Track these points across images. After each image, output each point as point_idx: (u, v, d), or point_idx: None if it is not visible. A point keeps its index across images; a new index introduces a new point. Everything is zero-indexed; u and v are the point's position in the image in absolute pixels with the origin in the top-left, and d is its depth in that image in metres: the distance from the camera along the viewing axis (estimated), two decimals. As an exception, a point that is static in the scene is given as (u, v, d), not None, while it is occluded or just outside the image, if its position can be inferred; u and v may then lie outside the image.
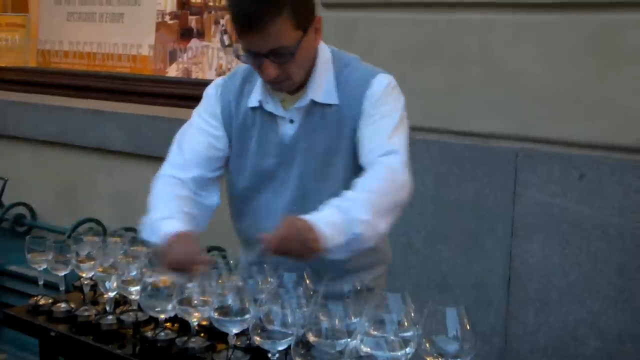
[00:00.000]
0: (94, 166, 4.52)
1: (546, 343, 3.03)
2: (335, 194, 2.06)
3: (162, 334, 2.03)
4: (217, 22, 4.60)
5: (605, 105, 2.87)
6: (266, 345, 1.76)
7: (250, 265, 2.12)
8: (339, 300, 1.78)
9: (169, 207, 2.11)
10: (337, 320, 1.73)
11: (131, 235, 2.51)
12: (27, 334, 2.33)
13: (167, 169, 2.24)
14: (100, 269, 2.18)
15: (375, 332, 1.67)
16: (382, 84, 2.11)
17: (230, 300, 1.86)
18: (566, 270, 2.97)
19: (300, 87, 2.12)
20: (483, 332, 3.09)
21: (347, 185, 2.07)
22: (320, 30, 2.10)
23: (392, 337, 1.65)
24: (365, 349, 1.64)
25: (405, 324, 1.72)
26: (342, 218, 1.91)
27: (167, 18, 4.85)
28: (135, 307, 2.15)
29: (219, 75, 4.53)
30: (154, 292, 1.96)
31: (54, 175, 4.73)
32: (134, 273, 2.14)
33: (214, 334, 1.99)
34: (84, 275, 2.28)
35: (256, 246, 1.96)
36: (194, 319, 1.95)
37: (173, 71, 4.81)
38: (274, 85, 2.09)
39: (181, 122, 4.00)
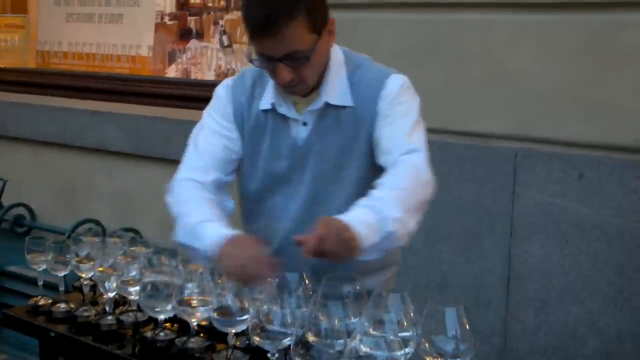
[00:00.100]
0: (93, 167, 4.52)
1: (546, 343, 3.03)
2: (348, 197, 2.07)
3: (162, 334, 2.03)
4: (216, 23, 4.60)
5: (605, 106, 2.88)
6: (266, 345, 1.76)
7: None
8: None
9: (204, 210, 2.08)
10: (336, 321, 1.73)
11: (130, 236, 2.51)
12: (26, 335, 2.33)
13: (186, 172, 2.20)
14: (100, 270, 2.18)
15: (375, 332, 1.67)
16: (397, 84, 2.10)
17: (230, 301, 1.86)
18: (566, 270, 2.97)
19: (313, 89, 2.10)
20: (482, 332, 3.09)
21: (359, 188, 2.07)
22: (334, 33, 2.08)
23: (391, 337, 1.65)
24: (365, 349, 1.64)
25: (405, 324, 1.72)
26: (375, 217, 1.89)
27: (166, 19, 4.85)
28: (134, 308, 2.14)
29: (218, 76, 4.54)
30: (154, 292, 1.96)
31: (54, 175, 4.73)
32: (133, 273, 2.14)
33: (213, 334, 1.99)
34: (83, 275, 2.28)
35: (288, 249, 1.94)
36: (194, 319, 1.95)
37: (172, 72, 4.81)
38: (288, 89, 2.07)
39: (180, 122, 4.05)
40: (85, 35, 5.21)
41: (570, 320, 2.97)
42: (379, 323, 1.68)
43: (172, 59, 4.81)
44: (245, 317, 1.84)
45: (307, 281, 2.01)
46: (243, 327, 1.85)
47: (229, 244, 1.92)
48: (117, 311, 2.19)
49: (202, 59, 4.66)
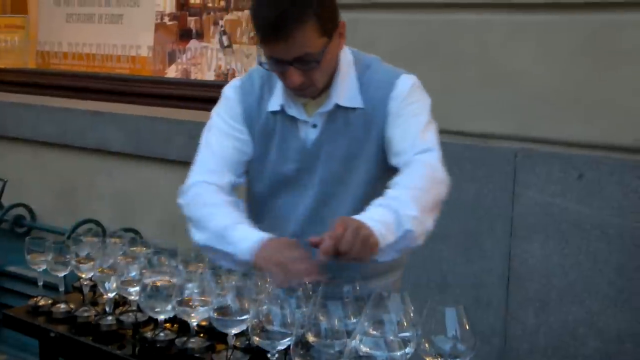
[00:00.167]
0: (93, 167, 4.52)
1: (546, 343, 3.03)
2: (357, 198, 2.07)
3: (162, 334, 2.03)
4: (216, 23, 4.60)
5: (604, 106, 2.88)
6: (265, 345, 1.76)
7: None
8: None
9: (229, 214, 2.07)
10: (336, 321, 1.73)
11: (130, 236, 2.51)
12: (26, 335, 2.32)
13: (200, 175, 2.18)
14: (100, 270, 2.18)
15: (375, 332, 1.67)
16: (407, 84, 2.10)
17: (230, 301, 1.86)
18: (566, 270, 2.97)
19: (322, 90, 2.09)
20: (482, 332, 3.09)
21: (368, 190, 2.07)
22: (344, 35, 2.07)
23: (391, 337, 1.65)
24: (365, 349, 1.63)
25: (405, 324, 1.72)
26: (392, 216, 1.89)
27: (166, 19, 4.85)
28: (134, 308, 2.14)
29: (218, 76, 4.54)
30: (154, 292, 1.96)
31: (54, 176, 4.73)
32: (133, 274, 2.13)
33: (213, 334, 1.99)
34: (83, 276, 2.28)
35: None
36: (194, 319, 1.95)
37: (172, 72, 4.81)
38: (297, 92, 2.06)
39: (181, 123, 4.05)
40: (85, 35, 5.21)
41: (570, 321, 2.97)
42: (378, 323, 1.68)
43: (172, 59, 4.81)
44: (245, 317, 1.84)
45: (306, 282, 2.01)
46: (243, 327, 1.85)
47: (266, 246, 1.92)
48: (117, 311, 2.19)
49: (202, 59, 4.66)
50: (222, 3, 4.60)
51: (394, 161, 2.07)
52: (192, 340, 1.97)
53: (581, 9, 2.90)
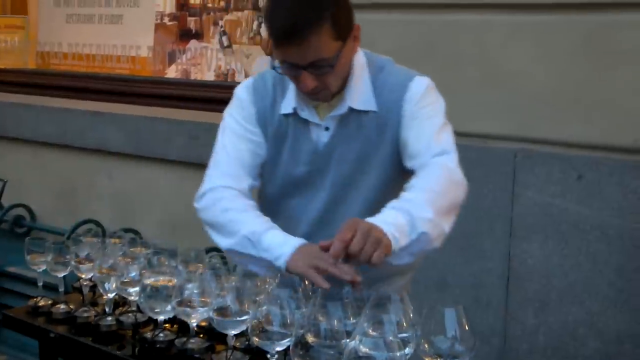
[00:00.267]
0: (93, 167, 4.53)
1: (545, 343, 3.04)
2: (368, 202, 2.06)
3: (161, 335, 2.03)
4: (215, 23, 4.60)
5: (604, 106, 2.88)
6: (265, 346, 1.76)
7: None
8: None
9: (257, 219, 2.05)
10: (336, 321, 1.73)
11: (130, 237, 2.51)
12: (26, 335, 2.32)
13: (219, 179, 2.15)
14: (100, 270, 2.18)
15: (374, 333, 1.67)
16: (421, 86, 2.08)
17: (230, 301, 1.86)
18: (565, 270, 2.97)
19: (335, 93, 2.07)
20: (482, 332, 3.09)
21: (380, 193, 2.06)
22: (359, 39, 2.05)
23: (390, 338, 1.65)
24: (364, 350, 1.64)
25: (404, 324, 1.72)
26: (405, 219, 1.87)
27: (165, 19, 4.85)
28: (134, 308, 2.15)
29: (217, 76, 4.54)
30: (153, 293, 1.96)
31: (54, 176, 4.73)
32: (133, 274, 2.14)
33: (213, 334, 1.99)
34: (83, 276, 2.28)
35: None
36: (193, 320, 1.95)
37: (172, 72, 4.81)
38: (311, 96, 2.04)
39: (180, 123, 4.05)
40: (85, 36, 5.21)
41: (570, 321, 2.97)
42: (378, 324, 1.68)
43: (172, 59, 4.81)
44: (244, 318, 1.84)
45: (306, 282, 2.01)
46: (243, 328, 1.85)
47: (301, 252, 1.91)
48: (117, 312, 2.19)
49: (202, 60, 4.66)
50: (222, 3, 4.60)
51: (409, 164, 2.05)
52: (192, 340, 1.97)
53: (580, 10, 2.91)
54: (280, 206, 2.21)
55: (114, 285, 2.14)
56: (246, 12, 4.47)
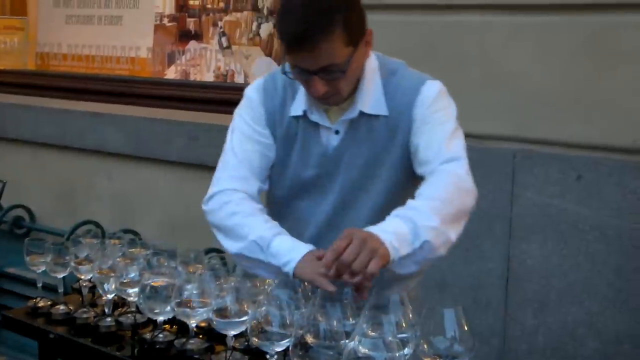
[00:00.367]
0: (92, 168, 4.53)
1: (544, 344, 3.04)
2: (377, 206, 2.05)
3: (161, 335, 2.03)
4: (215, 24, 4.60)
5: (604, 107, 2.88)
6: (265, 346, 1.76)
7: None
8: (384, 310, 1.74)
9: (265, 224, 2.04)
10: (335, 322, 1.74)
11: (129, 237, 2.51)
12: (26, 336, 2.33)
13: (226, 181, 2.14)
14: (99, 271, 2.18)
15: (373, 333, 1.67)
16: (433, 90, 2.06)
17: (229, 302, 1.86)
18: (564, 271, 2.97)
19: (346, 97, 2.05)
20: (481, 333, 3.09)
21: (389, 197, 2.05)
22: (371, 43, 2.03)
23: (390, 338, 1.65)
24: (363, 350, 1.64)
25: (404, 325, 1.72)
26: (408, 227, 1.85)
27: (165, 20, 4.85)
28: (133, 309, 2.15)
29: (217, 77, 4.55)
30: (153, 294, 1.96)
31: (53, 177, 4.73)
32: (132, 275, 2.14)
33: (212, 335, 1.99)
34: (82, 277, 2.29)
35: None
36: (193, 320, 1.95)
37: (171, 73, 4.82)
38: (322, 101, 2.03)
39: (180, 124, 4.05)
40: (84, 37, 5.21)
41: (569, 321, 2.97)
42: (377, 324, 1.68)
43: (171, 60, 4.81)
44: (244, 318, 1.84)
45: (306, 283, 2.01)
46: (242, 328, 1.85)
47: (309, 258, 1.90)
48: (116, 313, 2.20)
49: (202, 61, 4.66)
50: (221, 4, 4.60)
51: (419, 170, 2.04)
52: (191, 341, 1.98)
53: (581, 10, 2.91)
54: (289, 208, 2.19)
55: (113, 286, 2.14)
56: (245, 13, 4.47)
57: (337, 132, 2.09)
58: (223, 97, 4.19)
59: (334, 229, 2.06)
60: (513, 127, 3.06)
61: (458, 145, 2.05)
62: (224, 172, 2.16)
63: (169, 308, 1.96)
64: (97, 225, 4.25)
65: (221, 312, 1.85)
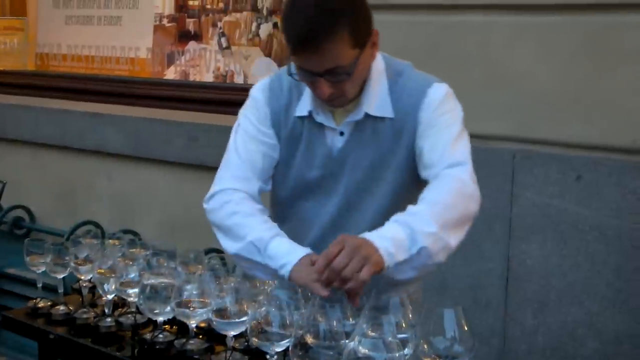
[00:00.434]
0: (92, 168, 4.53)
1: (544, 344, 3.04)
2: (382, 208, 2.04)
3: (161, 336, 2.03)
4: (214, 25, 4.60)
5: (604, 107, 2.88)
6: (264, 347, 1.76)
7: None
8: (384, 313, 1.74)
9: (264, 225, 2.03)
10: (335, 322, 1.74)
11: (129, 238, 2.51)
12: (26, 337, 2.33)
13: (228, 181, 2.13)
14: (99, 272, 2.18)
15: (373, 334, 1.67)
16: (440, 93, 2.05)
17: (229, 302, 1.86)
18: (564, 271, 2.97)
19: (352, 99, 2.04)
20: (481, 333, 3.09)
21: (394, 200, 2.04)
22: (377, 44, 2.02)
23: (390, 339, 1.65)
24: (363, 351, 1.64)
25: (403, 325, 1.73)
26: (405, 233, 1.84)
27: (164, 21, 4.85)
28: (133, 310, 2.15)
29: (216, 77, 4.55)
30: (153, 294, 1.96)
31: (53, 177, 4.73)
32: (132, 275, 2.14)
33: (212, 336, 1.99)
34: (82, 277, 2.29)
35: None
36: (193, 321, 1.95)
37: (171, 74, 4.82)
38: (327, 102, 2.02)
39: (180, 124, 4.06)
40: (84, 37, 5.21)
41: (569, 321, 2.98)
42: (377, 324, 1.68)
43: (170, 61, 4.82)
44: (244, 318, 1.84)
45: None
46: (242, 328, 1.85)
47: (304, 263, 1.89)
48: (116, 313, 2.20)
49: (201, 61, 4.66)
50: (221, 5, 4.60)
51: (424, 174, 2.02)
52: (191, 341, 1.98)
53: (582, 11, 2.91)
54: (293, 209, 2.19)
55: (113, 287, 2.14)
56: (245, 13, 4.47)
57: (342, 133, 2.08)
58: (222, 98, 4.19)
59: (339, 230, 2.05)
60: (513, 127, 3.06)
61: (463, 150, 2.03)
62: (226, 171, 2.16)
63: (169, 308, 1.96)
64: (97, 225, 4.25)
65: (221, 312, 1.86)
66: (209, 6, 4.66)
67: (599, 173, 2.88)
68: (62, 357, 2.24)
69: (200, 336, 2.03)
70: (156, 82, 4.75)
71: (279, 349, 1.76)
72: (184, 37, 4.75)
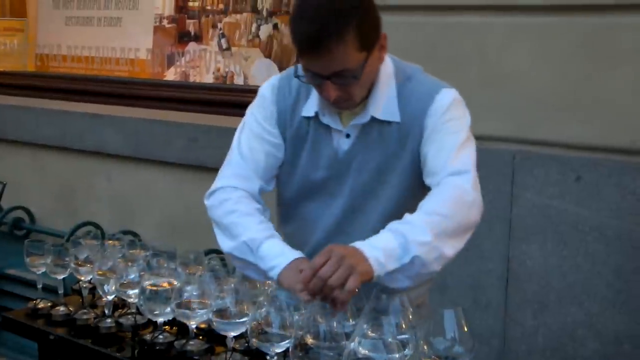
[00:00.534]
0: (92, 169, 4.53)
1: (544, 345, 3.04)
2: (386, 212, 2.03)
3: (161, 337, 2.03)
4: (214, 26, 4.61)
5: (602, 107, 2.88)
6: (265, 347, 1.77)
7: None
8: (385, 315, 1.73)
9: (259, 225, 2.02)
10: (335, 323, 1.74)
11: (129, 239, 2.51)
12: (26, 338, 2.33)
13: (229, 178, 2.13)
14: (99, 272, 2.18)
15: (373, 334, 1.67)
16: (447, 99, 2.03)
17: (229, 303, 1.86)
18: (564, 271, 2.97)
19: (360, 101, 2.02)
20: (481, 334, 3.09)
21: (399, 204, 2.03)
22: (386, 47, 2.00)
23: (389, 339, 1.65)
24: (363, 351, 1.64)
25: (403, 326, 1.73)
26: (398, 242, 1.83)
27: (164, 22, 4.86)
28: (133, 310, 2.15)
29: (216, 78, 4.55)
30: (153, 295, 1.96)
31: (53, 178, 4.74)
32: (132, 276, 2.14)
33: (212, 336, 2.00)
34: (82, 278, 2.29)
35: None
36: (193, 321, 1.95)
37: (171, 75, 4.82)
38: (334, 105, 2.00)
39: (179, 125, 4.06)
40: (84, 38, 5.21)
41: (569, 322, 2.98)
42: (377, 325, 1.68)
43: (170, 62, 4.82)
44: (244, 319, 1.84)
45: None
46: (242, 329, 1.86)
47: (293, 267, 1.89)
48: (116, 314, 2.20)
49: (201, 62, 4.67)
50: (221, 6, 4.60)
51: (427, 181, 2.01)
52: (191, 342, 1.98)
53: (579, 12, 2.91)
54: (297, 210, 2.18)
55: (113, 288, 2.14)
56: (245, 14, 4.47)
57: (348, 135, 2.07)
58: (222, 99, 4.19)
59: (342, 234, 2.06)
60: (513, 128, 3.06)
61: (467, 157, 2.00)
62: (228, 169, 2.16)
63: (169, 309, 1.96)
64: (97, 226, 4.26)
65: (221, 313, 1.86)
66: (209, 7, 4.66)
67: (599, 174, 2.88)
68: (62, 358, 2.24)
69: (201, 337, 2.03)
70: (156, 83, 4.75)
71: (279, 350, 1.76)
72: (184, 38, 4.75)
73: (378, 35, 1.96)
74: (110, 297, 2.18)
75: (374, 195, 2.08)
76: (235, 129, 2.22)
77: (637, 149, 2.83)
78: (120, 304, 2.24)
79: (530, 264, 3.04)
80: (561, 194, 2.95)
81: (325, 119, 2.07)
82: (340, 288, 1.75)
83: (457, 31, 3.16)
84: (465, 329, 1.62)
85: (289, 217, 2.21)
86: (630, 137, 2.84)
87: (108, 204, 4.46)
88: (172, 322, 2.08)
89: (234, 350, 1.92)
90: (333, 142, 2.09)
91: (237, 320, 1.84)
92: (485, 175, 3.09)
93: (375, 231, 1.89)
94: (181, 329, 2.06)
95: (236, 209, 2.06)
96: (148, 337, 2.04)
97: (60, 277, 2.34)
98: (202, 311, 1.91)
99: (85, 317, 2.22)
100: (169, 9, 4.85)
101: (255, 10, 4.42)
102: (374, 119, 2.03)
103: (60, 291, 2.37)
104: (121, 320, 2.15)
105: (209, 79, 4.60)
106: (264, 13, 4.38)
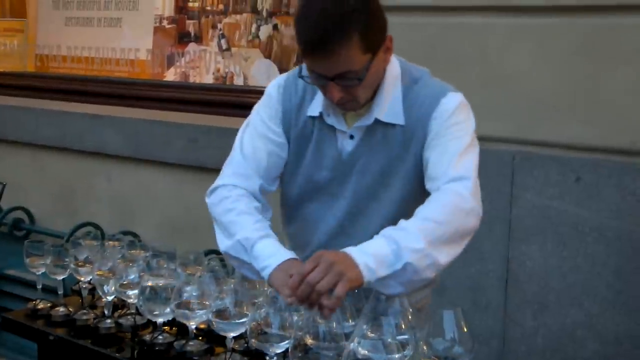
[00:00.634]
0: (92, 170, 4.53)
1: (544, 345, 3.04)
2: (389, 215, 2.02)
3: (160, 337, 2.03)
4: (214, 27, 4.61)
5: (602, 108, 2.88)
6: (264, 348, 1.77)
7: None
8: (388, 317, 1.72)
9: (255, 224, 2.01)
10: (334, 323, 1.74)
11: (129, 239, 2.51)
12: (25, 338, 2.33)
13: (230, 177, 2.13)
14: (99, 273, 2.19)
15: (373, 335, 1.67)
16: (452, 103, 2.02)
17: (229, 304, 1.86)
18: (564, 272, 2.97)
19: (365, 102, 2.01)
20: (481, 334, 3.09)
21: (401, 207, 2.02)
22: (391, 49, 2.00)
23: (389, 340, 1.65)
24: (363, 352, 1.64)
25: (403, 326, 1.73)
26: (390, 248, 1.82)
27: (164, 22, 4.86)
28: (133, 311, 2.15)
29: (216, 79, 4.55)
30: (152, 295, 1.96)
31: (53, 179, 4.73)
32: (132, 277, 2.14)
33: (212, 337, 2.00)
34: (82, 279, 2.29)
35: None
36: (192, 322, 1.95)
37: (171, 75, 4.82)
38: (338, 106, 2.00)
39: (179, 126, 4.06)
40: (84, 39, 5.21)
41: (569, 323, 2.98)
42: (377, 326, 1.68)
43: (170, 62, 4.82)
44: (243, 320, 1.84)
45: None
46: (241, 330, 1.86)
47: (283, 268, 1.88)
48: (116, 314, 2.20)
49: (201, 63, 4.67)
50: (221, 6, 4.60)
51: (427, 186, 2.00)
52: (191, 343, 1.98)
53: (580, 12, 2.91)
54: (300, 210, 2.18)
55: (113, 288, 2.14)
56: (245, 15, 4.47)
57: (352, 137, 2.07)
58: (222, 99, 4.19)
59: (344, 236, 2.06)
60: (512, 129, 3.06)
61: (468, 164, 1.98)
62: (229, 167, 2.16)
63: (168, 310, 1.96)
64: (97, 227, 4.25)
65: (221, 313, 1.86)
66: (208, 8, 4.66)
67: (599, 174, 2.88)
68: (61, 358, 2.24)
69: (200, 337, 2.03)
70: (156, 83, 4.75)
71: (278, 351, 1.76)
72: (184, 38, 4.75)
73: (383, 37, 1.95)
74: (110, 298, 2.18)
75: (377, 198, 2.07)
76: (235, 130, 2.22)
77: (637, 150, 2.83)
78: (120, 305, 2.24)
79: (530, 265, 3.04)
80: (561, 195, 2.95)
81: (330, 120, 2.07)
82: (328, 294, 1.74)
83: (457, 32, 3.16)
84: (465, 330, 1.62)
85: (292, 217, 2.21)
86: (631, 138, 2.84)
87: (108, 204, 4.46)
88: (172, 323, 2.09)
89: (233, 350, 1.92)
90: (337, 143, 2.08)
91: (237, 321, 1.84)
92: (484, 176, 3.09)
93: (377, 234, 1.89)
94: (181, 330, 2.06)
95: (234, 207, 2.06)
96: (148, 337, 2.05)
97: (60, 277, 2.34)
98: (201, 312, 1.91)
99: (84, 317, 2.22)
100: (168, 9, 4.85)
101: (255, 10, 4.42)
102: (378, 121, 2.03)
103: (60, 292, 2.37)
104: (121, 320, 2.15)
105: (208, 79, 4.60)
106: (264, 13, 4.38)
